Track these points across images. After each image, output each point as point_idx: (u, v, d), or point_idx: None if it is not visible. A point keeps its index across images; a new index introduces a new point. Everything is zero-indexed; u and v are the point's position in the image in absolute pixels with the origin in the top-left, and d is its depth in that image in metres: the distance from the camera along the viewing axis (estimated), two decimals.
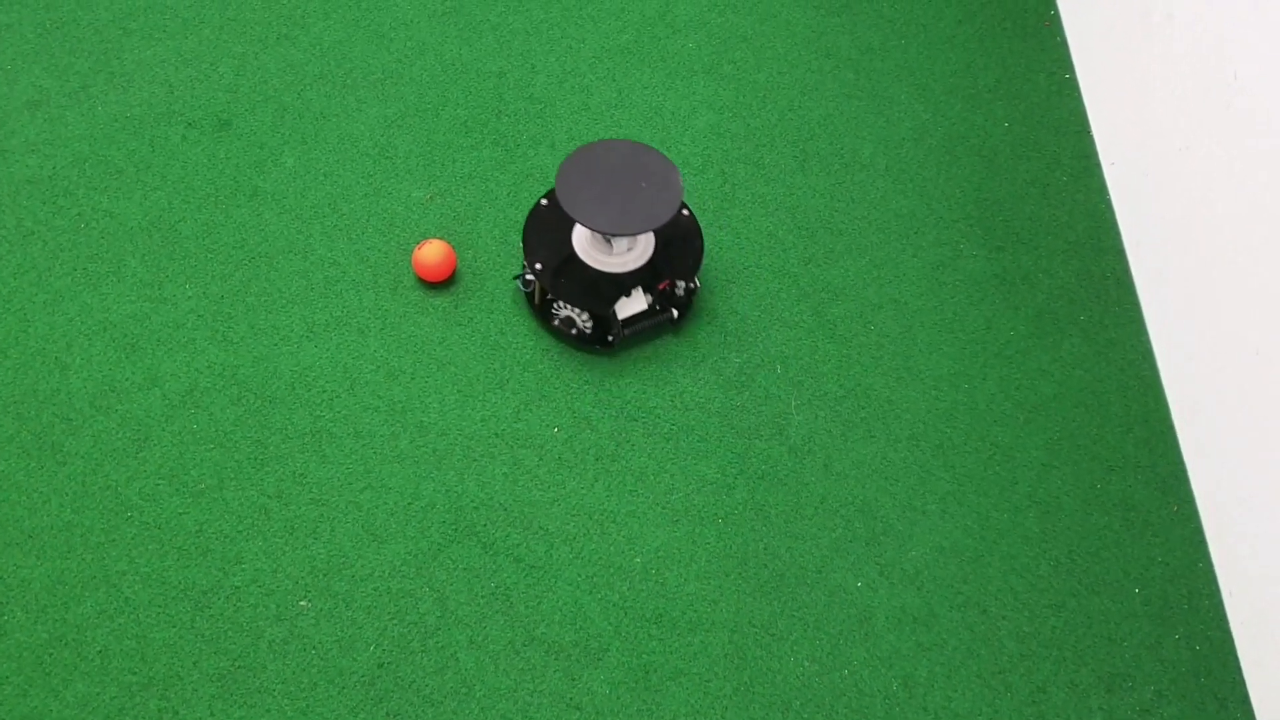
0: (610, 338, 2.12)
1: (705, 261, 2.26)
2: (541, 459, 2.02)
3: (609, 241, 2.08)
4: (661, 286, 2.11)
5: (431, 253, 2.15)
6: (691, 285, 2.13)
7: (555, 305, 2.12)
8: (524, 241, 2.14)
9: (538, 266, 2.10)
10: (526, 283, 2.14)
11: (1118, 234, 2.36)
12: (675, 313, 2.13)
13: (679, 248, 2.16)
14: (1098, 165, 2.45)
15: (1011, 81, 2.57)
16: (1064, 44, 2.64)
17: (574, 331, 2.12)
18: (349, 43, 2.51)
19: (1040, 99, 2.54)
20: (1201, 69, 2.14)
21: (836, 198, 2.37)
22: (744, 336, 2.18)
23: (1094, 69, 2.54)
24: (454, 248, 2.20)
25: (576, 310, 2.10)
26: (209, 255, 2.20)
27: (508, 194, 2.32)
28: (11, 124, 2.33)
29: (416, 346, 2.12)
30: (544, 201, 2.18)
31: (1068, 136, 2.49)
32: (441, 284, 2.19)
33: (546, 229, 2.16)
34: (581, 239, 2.13)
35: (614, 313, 2.08)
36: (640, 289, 2.11)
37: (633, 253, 2.11)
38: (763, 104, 2.49)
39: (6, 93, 2.37)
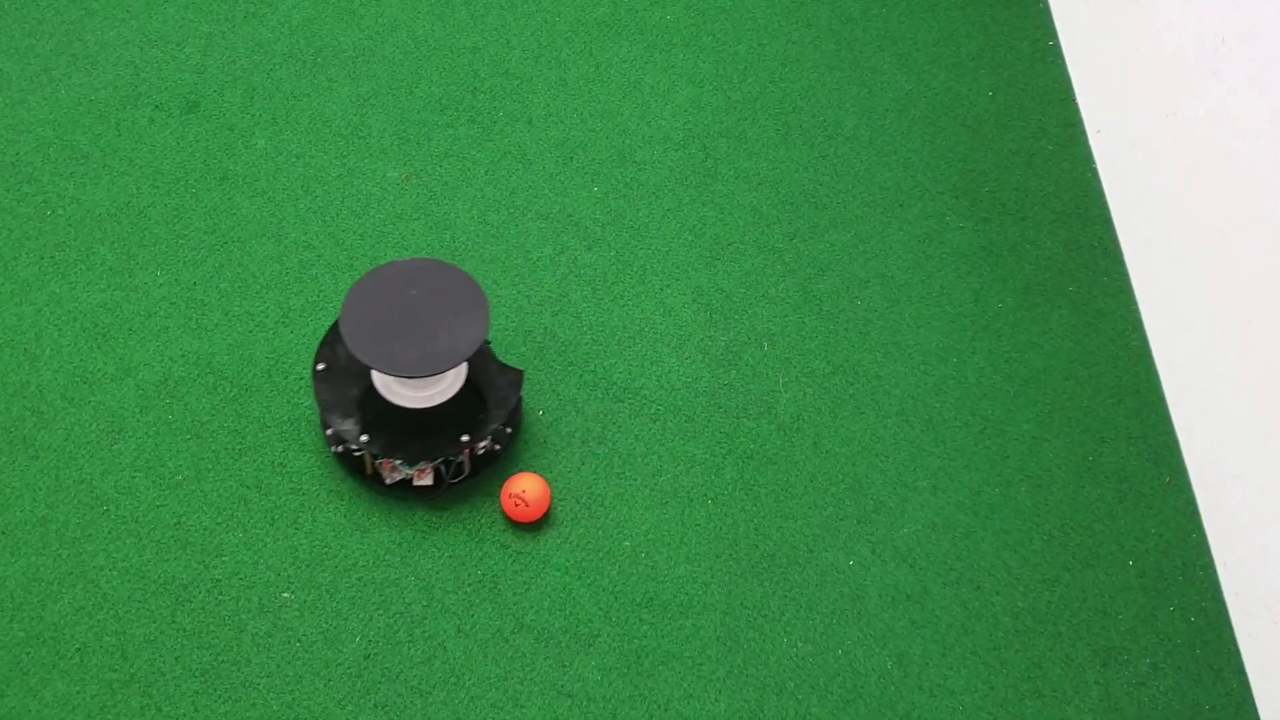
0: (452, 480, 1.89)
1: (684, 247, 2.23)
2: (526, 443, 1.98)
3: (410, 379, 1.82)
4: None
5: (515, 481, 1.90)
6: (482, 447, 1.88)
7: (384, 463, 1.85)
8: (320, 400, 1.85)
9: (365, 439, 1.82)
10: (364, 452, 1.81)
11: (1105, 203, 2.34)
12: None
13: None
14: (1083, 133, 2.43)
15: (995, 50, 2.53)
16: (1046, 10, 2.60)
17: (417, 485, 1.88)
18: (318, 20, 2.45)
19: (1024, 67, 2.51)
20: (1188, 34, 2.12)
21: (820, 171, 2.33)
22: (729, 314, 2.14)
23: (1078, 35, 2.51)
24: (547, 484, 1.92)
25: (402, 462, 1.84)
26: (180, 241, 2.15)
27: (485, 172, 2.27)
28: None
29: None
30: (321, 367, 1.88)
31: (1052, 105, 2.46)
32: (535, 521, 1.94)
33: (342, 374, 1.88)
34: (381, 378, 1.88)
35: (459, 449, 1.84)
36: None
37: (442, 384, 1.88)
38: (743, 76, 2.45)
39: None
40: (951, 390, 2.10)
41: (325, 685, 1.76)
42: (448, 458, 1.84)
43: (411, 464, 1.83)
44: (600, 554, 1.90)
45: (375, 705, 1.75)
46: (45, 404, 1.96)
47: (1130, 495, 2.01)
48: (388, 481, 1.87)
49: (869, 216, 2.28)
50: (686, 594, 1.87)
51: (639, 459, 1.98)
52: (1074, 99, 2.48)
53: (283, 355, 2.03)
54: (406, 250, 2.16)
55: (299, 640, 1.79)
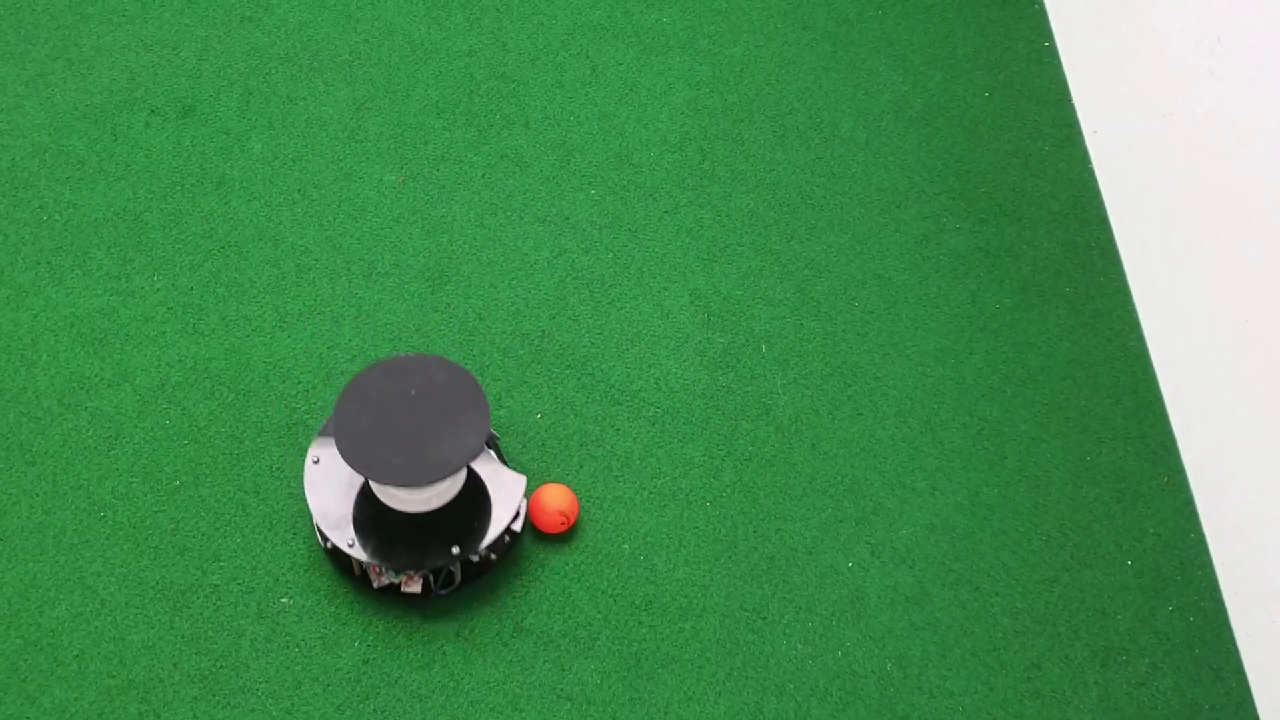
0: (444, 591, 1.82)
1: (681, 249, 2.22)
2: (525, 445, 1.98)
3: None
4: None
5: (554, 499, 1.88)
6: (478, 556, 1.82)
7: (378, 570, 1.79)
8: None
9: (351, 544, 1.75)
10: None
11: (1101, 203, 2.34)
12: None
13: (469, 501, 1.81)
14: (1079, 134, 2.43)
15: (991, 50, 2.54)
16: (1042, 11, 2.60)
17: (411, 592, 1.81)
18: (315, 24, 2.44)
19: (1020, 68, 2.51)
20: (1183, 34, 2.12)
21: (817, 173, 2.33)
22: (727, 316, 2.14)
23: (1073, 35, 2.51)
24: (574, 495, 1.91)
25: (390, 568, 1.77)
26: (176, 246, 2.14)
27: (482, 175, 2.27)
28: None
29: (392, 334, 2.07)
30: (315, 460, 1.82)
31: (1048, 105, 2.46)
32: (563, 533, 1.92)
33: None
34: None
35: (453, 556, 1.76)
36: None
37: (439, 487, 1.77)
38: (740, 78, 2.45)
39: None
40: (949, 391, 2.10)
41: (324, 690, 1.76)
42: (437, 567, 1.77)
43: (399, 571, 1.77)
44: (599, 557, 1.89)
45: (374, 710, 1.75)
46: (42, 410, 1.96)
47: (1128, 495, 2.01)
48: (375, 586, 1.80)
49: (866, 218, 2.28)
50: (686, 596, 1.87)
51: (637, 461, 1.98)
52: (1070, 99, 2.48)
53: (280, 360, 2.03)
54: (403, 253, 2.16)
55: (298, 645, 1.79)
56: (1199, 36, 2.07)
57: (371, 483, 1.78)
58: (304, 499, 1.76)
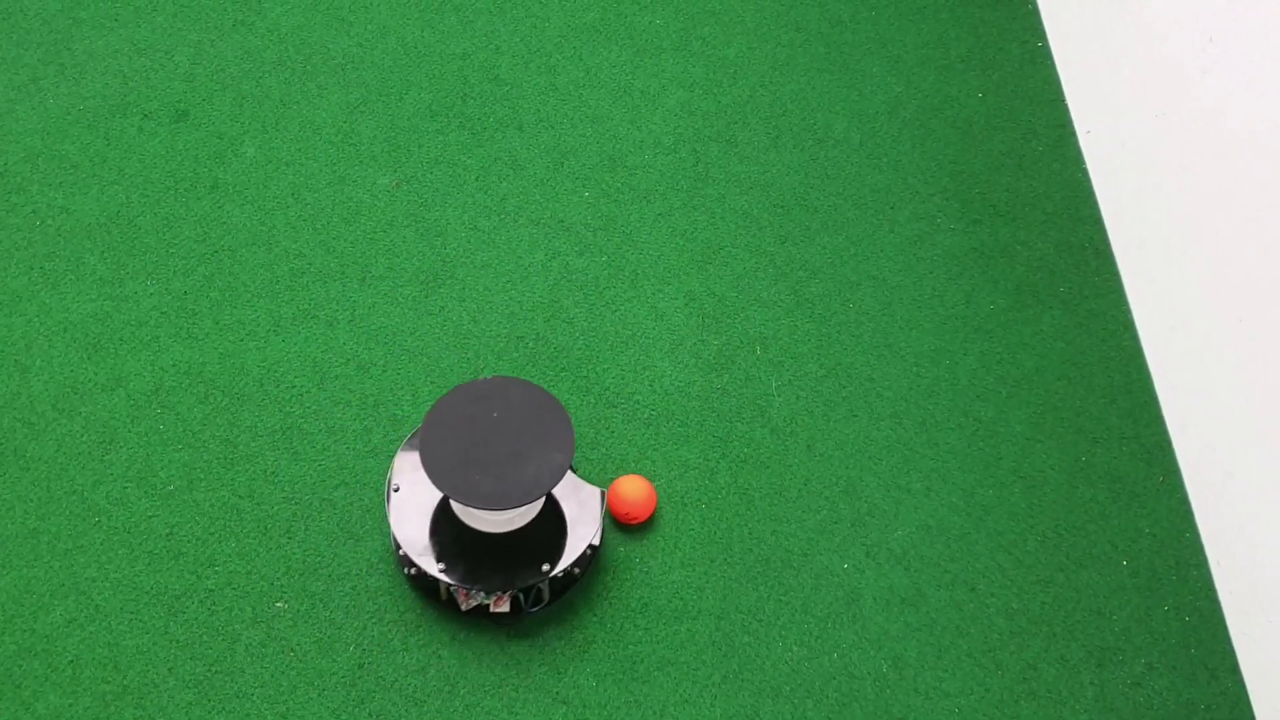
0: (533, 608, 1.82)
1: (676, 252, 2.22)
2: None
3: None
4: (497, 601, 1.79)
5: (632, 490, 1.90)
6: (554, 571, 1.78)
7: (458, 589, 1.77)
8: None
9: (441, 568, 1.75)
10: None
11: (1095, 203, 2.34)
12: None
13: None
14: (1073, 134, 2.43)
15: (984, 51, 2.54)
16: (1035, 11, 2.61)
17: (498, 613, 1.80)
18: (308, 27, 2.44)
19: (1013, 68, 2.52)
20: (1176, 33, 2.12)
21: (811, 174, 2.33)
22: (722, 318, 2.14)
23: (1066, 36, 2.51)
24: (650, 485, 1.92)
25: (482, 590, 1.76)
26: (170, 250, 2.14)
27: (476, 178, 2.27)
28: None
29: (387, 337, 2.07)
30: (397, 489, 1.81)
31: (1042, 106, 2.46)
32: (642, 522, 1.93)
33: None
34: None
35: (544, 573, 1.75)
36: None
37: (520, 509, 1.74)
38: (733, 80, 2.45)
39: None
40: (944, 392, 2.10)
41: (319, 695, 1.76)
42: (528, 586, 1.76)
43: (490, 593, 1.76)
44: (594, 559, 1.89)
45: (370, 714, 1.75)
46: (36, 415, 1.95)
47: (1124, 495, 2.01)
48: (463, 609, 1.79)
49: (860, 219, 2.28)
50: (681, 599, 1.87)
51: (632, 464, 1.98)
52: (1063, 100, 2.48)
53: (274, 364, 2.03)
54: (397, 257, 2.16)
55: (293, 650, 1.79)
56: (1192, 36, 2.07)
57: (454, 505, 1.77)
58: (388, 529, 1.79)
